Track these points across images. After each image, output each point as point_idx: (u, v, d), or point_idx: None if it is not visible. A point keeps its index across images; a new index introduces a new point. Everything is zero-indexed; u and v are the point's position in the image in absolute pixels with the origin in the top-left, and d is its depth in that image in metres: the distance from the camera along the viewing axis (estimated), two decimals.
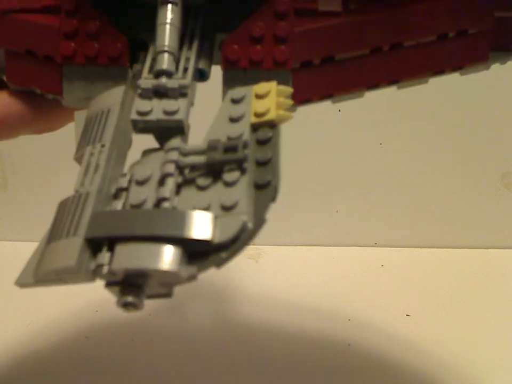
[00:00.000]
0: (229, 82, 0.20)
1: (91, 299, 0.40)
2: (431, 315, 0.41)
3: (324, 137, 0.52)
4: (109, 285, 0.14)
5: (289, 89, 0.18)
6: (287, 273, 0.47)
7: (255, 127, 0.17)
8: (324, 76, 0.21)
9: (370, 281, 0.46)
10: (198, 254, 0.14)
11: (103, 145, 0.17)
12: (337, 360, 0.35)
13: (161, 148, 0.17)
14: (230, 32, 0.20)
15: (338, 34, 0.20)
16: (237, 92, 0.18)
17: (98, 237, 0.14)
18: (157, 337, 0.37)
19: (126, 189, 0.16)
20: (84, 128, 0.19)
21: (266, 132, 0.16)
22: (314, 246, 0.54)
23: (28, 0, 0.21)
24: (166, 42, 0.19)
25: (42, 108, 0.23)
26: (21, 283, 0.15)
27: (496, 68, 0.54)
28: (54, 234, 0.15)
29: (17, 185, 0.54)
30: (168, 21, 0.19)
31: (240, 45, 0.20)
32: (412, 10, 0.20)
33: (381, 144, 0.53)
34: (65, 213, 0.15)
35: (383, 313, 0.41)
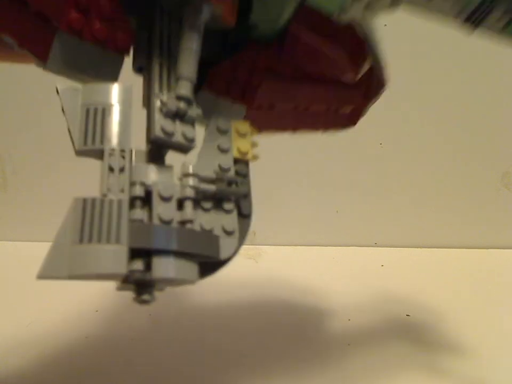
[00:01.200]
0: (200, 100, 0.22)
1: (91, 299, 0.40)
2: (431, 315, 0.41)
3: (323, 137, 0.52)
4: (124, 282, 0.16)
5: (256, 132, 0.22)
6: (287, 273, 0.47)
7: (235, 161, 0.21)
8: (264, 117, 0.26)
9: (370, 281, 0.46)
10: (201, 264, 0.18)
11: (122, 150, 0.18)
12: (337, 360, 0.35)
13: (158, 157, 0.19)
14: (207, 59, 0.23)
15: (282, 90, 0.26)
16: (223, 123, 0.21)
17: (142, 248, 0.16)
18: (157, 337, 0.37)
19: (140, 198, 0.17)
20: (86, 119, 0.18)
21: (243, 167, 0.21)
22: (314, 246, 0.54)
23: None
24: (190, 70, 0.20)
25: None
26: (47, 276, 0.16)
27: (496, 68, 0.54)
28: (87, 235, 0.16)
29: (17, 185, 0.54)
30: (194, 48, 0.20)
31: (224, 79, 0.23)
32: (322, 88, 0.27)
33: (381, 144, 0.53)
34: (95, 216, 0.16)
35: (383, 313, 0.41)
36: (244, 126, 0.22)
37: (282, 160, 0.52)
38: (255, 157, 0.21)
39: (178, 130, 0.19)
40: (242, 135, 0.21)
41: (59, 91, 0.19)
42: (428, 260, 0.51)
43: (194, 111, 0.20)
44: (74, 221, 0.16)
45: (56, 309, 0.39)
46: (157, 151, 0.19)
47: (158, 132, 0.18)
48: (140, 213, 0.17)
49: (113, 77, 0.20)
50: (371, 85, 0.28)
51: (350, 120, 0.30)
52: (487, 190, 0.55)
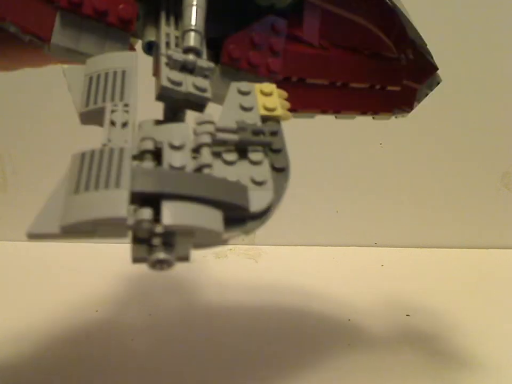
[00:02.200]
0: (224, 76, 0.22)
1: (91, 299, 0.40)
2: (431, 315, 0.41)
3: (324, 137, 0.52)
4: (136, 242, 0.14)
5: (285, 94, 0.20)
6: (287, 273, 0.47)
7: (263, 119, 0.18)
8: (296, 93, 0.23)
9: (370, 281, 0.46)
10: (230, 220, 0.15)
11: (126, 105, 0.17)
12: (337, 360, 0.35)
13: (171, 120, 0.18)
14: (218, 31, 0.22)
15: (312, 62, 0.24)
16: (243, 85, 0.19)
17: (147, 192, 0.14)
18: (157, 337, 0.37)
19: (150, 152, 0.16)
20: (89, 85, 0.18)
21: (275, 125, 0.18)
22: (314, 246, 0.54)
23: None
24: (194, 22, 0.19)
25: (2, 44, 0.20)
26: (38, 233, 0.13)
27: (496, 68, 0.54)
28: (83, 184, 0.14)
29: (17, 185, 0.54)
30: (199, 3, 0.19)
31: (241, 47, 0.22)
32: (359, 61, 0.25)
33: (381, 144, 0.53)
34: (94, 165, 0.14)
35: (383, 313, 0.41)
36: (269, 86, 0.20)
37: None
38: (286, 115, 0.19)
39: (188, 80, 0.18)
40: (267, 94, 0.19)
41: (64, 70, 0.18)
42: (428, 260, 0.51)
43: (205, 63, 0.19)
44: (71, 174, 0.14)
45: (56, 309, 0.39)
46: (171, 111, 0.18)
47: (165, 82, 0.17)
48: (148, 164, 0.15)
49: None
50: (416, 65, 0.26)
51: (404, 103, 0.27)
52: (487, 190, 0.55)
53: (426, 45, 0.25)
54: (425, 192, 0.55)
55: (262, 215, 0.16)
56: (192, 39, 0.19)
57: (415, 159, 0.54)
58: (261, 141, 0.17)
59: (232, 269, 0.47)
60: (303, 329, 0.38)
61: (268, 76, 0.22)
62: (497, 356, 0.36)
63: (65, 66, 0.19)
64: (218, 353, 0.35)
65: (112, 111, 0.16)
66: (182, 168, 0.15)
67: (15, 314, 0.38)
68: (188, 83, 0.18)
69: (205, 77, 0.19)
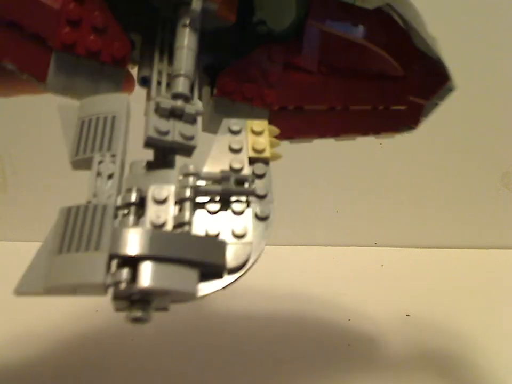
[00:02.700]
0: (217, 108, 0.22)
1: (91, 299, 0.40)
2: (431, 315, 0.41)
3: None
4: (116, 298, 0.14)
5: (277, 130, 0.20)
6: (287, 273, 0.47)
7: (251, 161, 0.19)
8: (293, 121, 0.24)
9: (370, 281, 0.46)
10: (207, 276, 0.15)
11: (113, 155, 0.17)
12: (337, 360, 0.35)
13: (162, 165, 0.18)
14: (216, 58, 0.22)
15: (309, 89, 0.24)
16: (235, 123, 0.20)
17: (125, 255, 0.14)
18: (157, 337, 0.37)
19: (133, 204, 0.16)
20: (80, 130, 0.18)
21: (262, 167, 0.19)
22: (314, 246, 0.54)
23: None
24: (185, 67, 0.19)
25: None
26: (24, 291, 0.14)
27: (496, 68, 0.54)
28: (66, 245, 0.15)
29: (17, 185, 0.54)
30: (189, 45, 0.19)
31: (236, 80, 0.22)
32: (360, 84, 0.25)
33: (381, 144, 0.53)
34: (77, 224, 0.15)
35: (383, 313, 0.41)
36: (260, 124, 0.20)
37: (282, 160, 0.52)
38: (275, 155, 0.19)
39: (175, 128, 0.18)
40: (257, 134, 0.19)
41: (59, 107, 0.19)
42: (428, 260, 0.51)
43: (193, 108, 0.19)
44: (56, 232, 0.15)
45: (56, 309, 0.39)
46: (160, 156, 0.18)
47: (151, 132, 0.17)
48: (131, 220, 0.16)
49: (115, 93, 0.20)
50: (425, 79, 0.25)
51: (409, 120, 0.27)
52: (487, 190, 0.55)
53: (438, 56, 0.23)
54: (425, 192, 0.55)
55: (240, 269, 0.16)
56: (181, 85, 0.19)
57: (415, 159, 0.54)
58: (243, 191, 0.17)
59: None
60: (303, 329, 0.38)
61: (263, 107, 0.23)
62: (498, 355, 0.36)
63: (60, 103, 0.19)
64: (218, 353, 0.35)
65: (100, 162, 0.17)
66: (162, 226, 0.16)
67: (15, 314, 0.38)
68: (175, 131, 0.18)
69: (194, 121, 0.19)
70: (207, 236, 0.16)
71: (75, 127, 0.18)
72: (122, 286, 0.14)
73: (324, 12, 0.22)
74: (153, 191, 0.16)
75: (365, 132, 0.26)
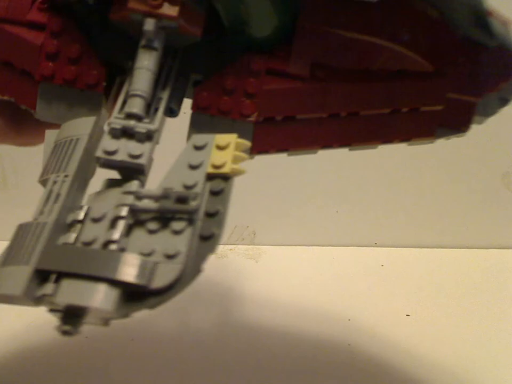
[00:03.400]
0: (195, 124, 0.22)
1: None
2: (431, 315, 0.41)
3: None
4: (52, 311, 0.16)
5: (247, 144, 0.19)
6: (287, 273, 0.47)
7: (210, 177, 0.18)
8: (283, 132, 0.22)
9: (370, 281, 0.46)
10: (136, 294, 0.15)
11: (66, 176, 0.18)
12: (337, 360, 0.35)
13: (121, 183, 0.18)
14: (204, 74, 0.22)
15: (301, 97, 0.21)
16: (200, 138, 0.19)
17: (47, 270, 0.15)
18: (157, 337, 0.37)
19: (81, 221, 0.17)
20: (52, 153, 0.19)
21: (219, 183, 0.17)
22: (314, 246, 0.54)
23: (15, 12, 0.21)
24: (141, 87, 0.19)
25: (23, 123, 0.23)
26: None
27: None
28: (9, 258, 0.16)
29: (17, 185, 0.54)
30: (146, 66, 0.19)
31: (212, 94, 0.21)
32: (371, 85, 0.22)
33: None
34: (21, 239, 0.16)
35: (383, 313, 0.41)
36: (225, 138, 0.18)
37: (282, 161, 0.52)
38: (236, 171, 0.18)
39: (124, 148, 0.18)
40: (221, 148, 0.18)
41: (45, 134, 0.20)
42: (428, 260, 0.51)
43: (145, 127, 0.19)
44: (8, 245, 0.16)
45: None
46: (123, 175, 0.19)
47: (98, 153, 0.18)
48: (70, 236, 0.16)
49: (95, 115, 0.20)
50: (477, 71, 0.21)
51: (456, 122, 0.23)
52: (487, 190, 0.55)
53: (508, 42, 0.19)
54: (425, 192, 0.55)
55: (167, 290, 0.16)
56: (134, 105, 0.19)
57: (415, 159, 0.54)
58: (181, 210, 0.16)
59: (232, 269, 0.47)
60: (303, 329, 0.38)
61: (243, 120, 0.21)
62: (498, 355, 0.36)
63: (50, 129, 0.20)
64: (216, 352, 0.35)
65: (54, 182, 0.18)
66: (89, 244, 0.16)
67: (15, 314, 0.38)
68: (122, 150, 0.18)
69: (147, 140, 0.19)
70: (140, 254, 0.16)
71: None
72: (47, 299, 0.15)
73: (319, 9, 0.21)
74: (93, 209, 0.17)
75: (387, 139, 0.23)
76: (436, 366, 0.34)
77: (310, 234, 0.55)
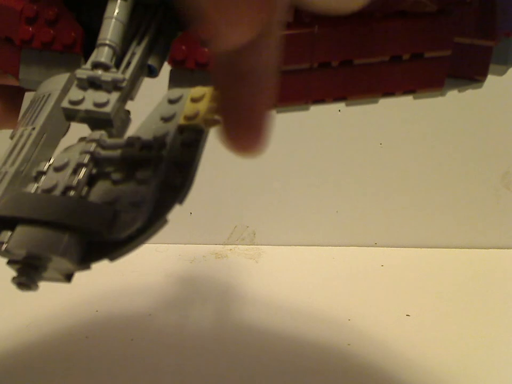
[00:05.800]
0: (175, 81, 0.21)
1: (91, 299, 0.40)
2: (431, 315, 0.41)
3: (324, 137, 0.52)
4: (10, 262, 0.14)
5: None
6: (287, 273, 0.47)
7: (182, 129, 0.17)
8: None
9: (370, 281, 0.46)
10: (96, 244, 0.15)
11: (33, 128, 0.18)
12: (337, 360, 0.35)
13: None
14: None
15: (286, 45, 0.19)
16: (175, 92, 0.18)
17: (3, 216, 0.15)
18: (157, 337, 0.37)
19: (45, 173, 0.17)
20: (26, 110, 0.19)
21: (191, 134, 0.17)
22: (314, 246, 0.54)
23: None
24: (108, 36, 0.19)
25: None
26: None
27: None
28: None
29: None
30: (114, 15, 0.19)
31: (188, 46, 0.20)
32: (364, 29, 0.19)
33: (381, 144, 0.53)
34: None
35: (383, 313, 0.41)
36: (199, 91, 0.18)
37: (282, 160, 0.52)
38: (208, 122, 0.17)
39: (90, 98, 0.18)
40: (196, 100, 0.17)
41: (25, 95, 0.20)
42: (428, 260, 0.51)
43: (110, 76, 0.18)
44: None
45: (56, 309, 0.39)
46: (92, 128, 0.18)
47: (64, 103, 0.18)
48: (32, 186, 0.16)
49: None
50: (485, 9, 0.19)
51: (470, 70, 0.20)
52: (487, 190, 0.55)
53: None
54: (425, 192, 0.55)
55: (130, 240, 0.15)
56: (103, 54, 0.19)
57: (415, 159, 0.54)
58: (146, 157, 0.16)
59: (232, 269, 0.47)
60: (303, 329, 0.38)
61: None
62: (498, 355, 0.36)
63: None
64: (216, 352, 0.35)
65: (21, 135, 0.18)
66: (49, 191, 0.15)
67: (15, 314, 0.38)
68: (89, 100, 0.18)
69: (116, 89, 0.18)
70: (102, 202, 0.15)
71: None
72: (2, 247, 0.14)
73: None
74: (56, 158, 0.17)
75: (387, 90, 0.21)
76: (436, 366, 0.34)
77: (310, 234, 0.55)
